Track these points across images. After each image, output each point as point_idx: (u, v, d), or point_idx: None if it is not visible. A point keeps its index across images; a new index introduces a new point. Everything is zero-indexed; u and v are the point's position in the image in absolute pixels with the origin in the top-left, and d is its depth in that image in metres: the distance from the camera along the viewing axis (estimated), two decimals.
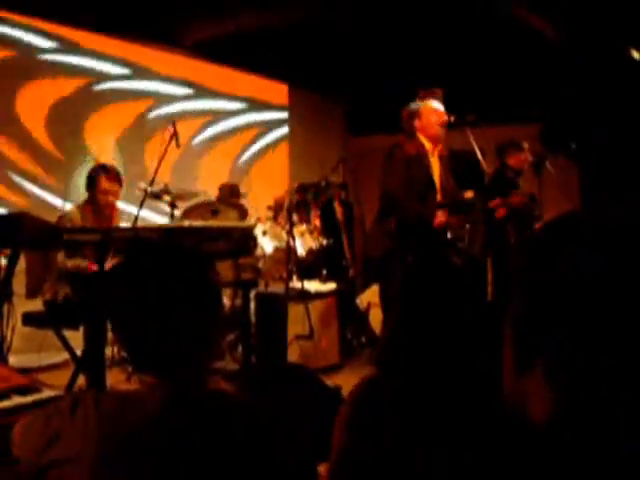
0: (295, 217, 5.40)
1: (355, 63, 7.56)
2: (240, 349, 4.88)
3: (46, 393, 1.92)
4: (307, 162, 8.27)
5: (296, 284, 5.10)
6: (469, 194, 4.36)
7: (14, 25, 5.74)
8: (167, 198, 4.99)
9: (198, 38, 6.94)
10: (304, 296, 4.98)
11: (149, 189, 4.69)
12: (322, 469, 1.48)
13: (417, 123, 4.33)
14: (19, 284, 3.63)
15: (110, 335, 3.53)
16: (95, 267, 3.43)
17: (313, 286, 5.22)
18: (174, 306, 1.31)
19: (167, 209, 5.11)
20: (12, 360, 3.43)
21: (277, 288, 5.19)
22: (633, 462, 0.66)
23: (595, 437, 0.67)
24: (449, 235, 4.29)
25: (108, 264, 3.32)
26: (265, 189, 7.10)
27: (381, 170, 4.34)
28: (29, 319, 3.78)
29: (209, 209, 5.13)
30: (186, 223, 4.49)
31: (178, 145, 4.69)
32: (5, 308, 3.27)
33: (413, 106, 4.36)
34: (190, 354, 1.33)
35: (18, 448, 1.30)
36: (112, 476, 1.20)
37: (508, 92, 7.25)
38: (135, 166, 6.29)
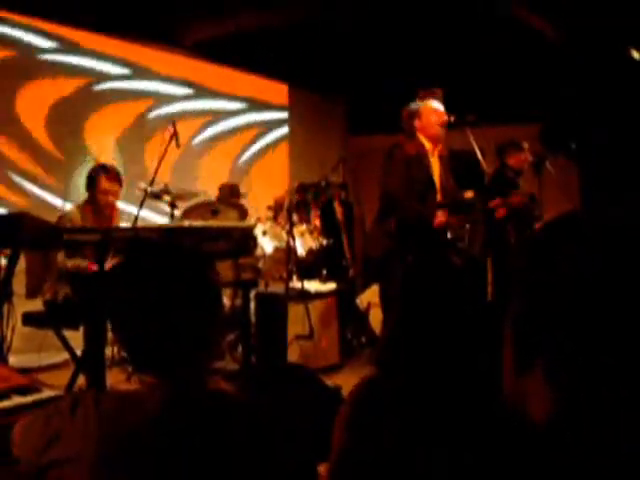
0: (295, 217, 5.40)
1: (355, 63, 7.56)
2: (240, 349, 4.88)
3: (46, 393, 1.92)
4: (307, 162, 8.27)
5: (296, 284, 5.10)
6: (469, 194, 4.37)
7: (14, 25, 5.74)
8: (167, 198, 4.99)
9: (198, 38, 6.94)
10: (304, 296, 4.98)
11: (149, 189, 4.69)
12: (322, 469, 1.48)
13: (417, 123, 4.33)
14: (19, 284, 3.63)
15: (110, 335, 3.53)
16: (95, 267, 3.43)
17: (313, 286, 5.22)
18: (174, 306, 1.31)
19: (167, 209, 5.11)
20: (12, 360, 3.43)
21: (277, 288, 5.19)
22: (633, 462, 0.66)
23: (595, 437, 0.67)
24: (449, 235, 4.29)
25: (108, 264, 3.33)
26: (265, 189, 7.10)
27: (381, 170, 4.34)
28: (29, 319, 3.78)
29: (209, 209, 5.13)
30: (186, 223, 4.49)
31: (178, 145, 4.70)
32: (5, 308, 3.27)
33: (413, 106, 4.36)
34: (190, 354, 1.33)
35: (18, 448, 1.30)
36: (112, 476, 1.20)
37: (508, 92, 7.25)
38: (135, 166, 6.29)
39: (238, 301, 4.99)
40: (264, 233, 5.25)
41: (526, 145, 5.51)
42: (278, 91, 8.43)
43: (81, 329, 3.43)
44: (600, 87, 6.97)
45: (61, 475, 1.21)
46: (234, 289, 5.16)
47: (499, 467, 0.89)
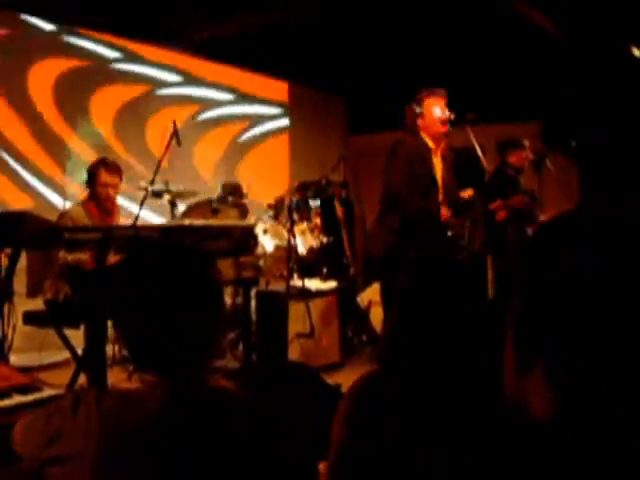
0: (296, 215, 5.40)
1: (355, 62, 7.56)
2: (241, 347, 4.89)
3: (47, 392, 1.92)
4: (307, 161, 8.26)
5: (297, 282, 5.10)
6: (469, 192, 4.37)
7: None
8: (167, 197, 4.99)
9: (199, 37, 6.94)
10: (305, 294, 4.98)
11: (150, 188, 4.70)
12: (322, 467, 1.48)
13: (420, 122, 4.33)
14: (20, 283, 3.64)
15: (111, 334, 3.54)
16: (95, 265, 3.44)
17: (314, 284, 5.22)
18: (175, 304, 1.31)
19: (167, 209, 5.12)
20: (13, 359, 3.43)
21: (278, 286, 5.19)
22: (633, 462, 0.66)
23: (595, 437, 0.67)
24: (449, 233, 4.29)
25: (109, 262, 3.33)
26: (265, 188, 7.10)
27: (384, 166, 4.33)
28: (30, 318, 3.78)
29: (210, 208, 5.14)
30: (187, 222, 4.49)
31: (179, 143, 4.69)
32: (6, 307, 3.27)
33: (416, 105, 4.36)
34: (191, 352, 1.34)
35: (19, 446, 1.30)
36: (113, 474, 1.21)
37: (508, 90, 7.24)
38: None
39: (239, 299, 4.99)
40: (265, 231, 5.25)
41: (527, 143, 5.50)
42: (278, 89, 8.44)
43: (82, 328, 3.44)
44: (600, 85, 6.96)
45: (62, 473, 1.21)
46: (235, 287, 5.16)
47: (499, 466, 0.89)
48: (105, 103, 6.48)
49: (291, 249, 5.14)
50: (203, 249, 3.44)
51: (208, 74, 7.56)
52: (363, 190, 7.86)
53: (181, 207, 5.22)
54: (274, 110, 8.44)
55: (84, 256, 3.80)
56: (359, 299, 5.89)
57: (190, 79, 7.39)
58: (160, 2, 6.05)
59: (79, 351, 3.56)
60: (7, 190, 5.67)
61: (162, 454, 1.22)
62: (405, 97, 4.41)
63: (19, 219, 3.17)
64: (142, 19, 6.19)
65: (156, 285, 1.32)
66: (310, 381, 2.93)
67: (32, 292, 3.91)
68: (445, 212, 4.24)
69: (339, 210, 6.17)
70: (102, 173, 4.37)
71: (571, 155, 6.32)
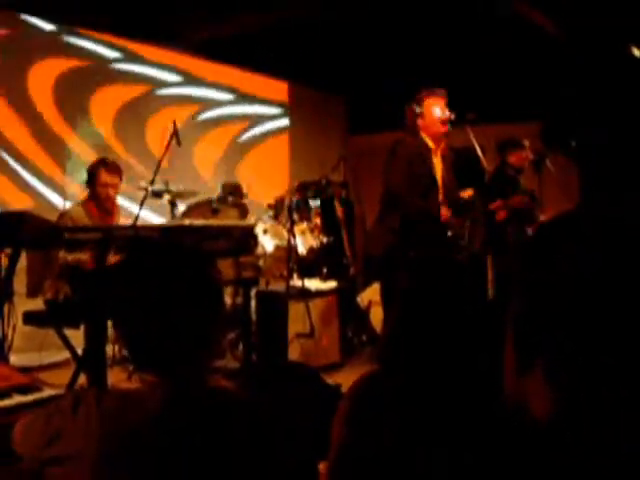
0: (296, 215, 5.40)
1: (356, 62, 7.56)
2: (241, 347, 4.89)
3: (47, 392, 1.92)
4: (307, 161, 8.27)
5: (297, 282, 5.10)
6: (469, 192, 4.36)
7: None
8: (168, 197, 5.00)
9: (199, 37, 6.94)
10: (305, 294, 4.98)
11: (150, 188, 4.70)
12: (322, 467, 1.48)
13: (420, 122, 4.33)
14: (20, 283, 3.64)
15: (111, 334, 3.54)
16: (95, 265, 3.44)
17: (314, 284, 5.22)
18: (175, 304, 1.31)
19: (167, 209, 5.12)
20: (13, 359, 3.43)
21: (278, 286, 5.19)
22: (633, 462, 0.66)
23: (595, 437, 0.67)
24: (449, 233, 4.29)
25: (109, 262, 3.33)
26: (265, 188, 7.10)
27: (384, 166, 4.33)
28: (30, 318, 3.78)
29: (210, 208, 5.14)
30: (187, 222, 4.49)
31: (179, 143, 4.69)
32: (6, 307, 3.27)
33: (416, 105, 4.36)
34: (191, 352, 1.34)
35: (19, 446, 1.30)
36: (113, 474, 1.21)
37: (508, 90, 7.24)
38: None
39: (239, 299, 4.99)
40: (265, 231, 5.25)
41: (527, 143, 5.50)
42: (278, 89, 8.44)
43: (82, 328, 3.44)
44: (600, 85, 6.96)
45: (62, 473, 1.21)
46: (235, 287, 5.16)
47: (499, 466, 0.89)
48: (105, 103, 6.49)
49: (291, 249, 5.14)
50: (203, 249, 3.44)
51: (208, 74, 7.57)
52: (363, 190, 7.86)
53: (181, 207, 5.22)
54: (274, 110, 8.44)
55: (84, 256, 3.80)
56: (359, 299, 5.89)
57: (190, 79, 7.40)
58: (160, 2, 6.05)
59: (79, 351, 3.56)
60: (7, 190, 5.68)
61: (162, 454, 1.22)
62: (405, 97, 4.41)
63: (19, 219, 3.17)
64: (142, 19, 6.19)
65: (156, 285, 1.32)
66: (310, 381, 2.93)
67: (32, 292, 3.91)
68: (445, 212, 4.24)
69: (339, 210, 6.17)
70: (102, 173, 4.37)
71: (571, 155, 6.32)
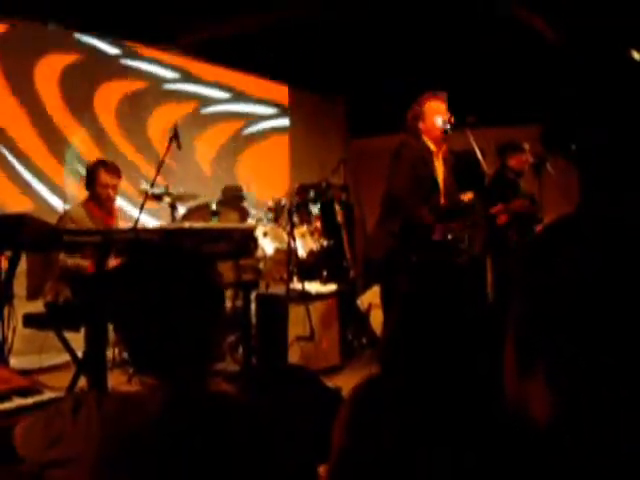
0: (296, 218, 5.40)
1: (356, 64, 7.56)
2: (241, 350, 4.88)
3: (47, 395, 1.92)
4: (308, 163, 8.27)
5: (297, 285, 5.10)
6: (469, 195, 4.36)
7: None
8: (168, 200, 5.00)
9: (198, 39, 6.95)
10: (305, 297, 4.98)
11: (150, 191, 4.70)
12: (322, 470, 1.48)
13: (421, 125, 4.33)
14: (20, 286, 3.64)
15: (111, 337, 3.54)
16: (94, 268, 3.44)
17: (314, 287, 5.21)
18: (175, 307, 1.31)
19: (167, 212, 5.12)
20: (13, 362, 3.43)
21: (278, 289, 5.19)
22: (633, 463, 0.66)
23: (596, 440, 0.67)
24: (449, 237, 4.29)
25: (109, 265, 3.33)
26: (266, 190, 7.11)
27: (388, 169, 4.33)
28: (30, 321, 3.78)
29: (210, 210, 5.14)
30: (187, 225, 4.49)
31: (179, 147, 4.69)
32: (6, 310, 3.27)
33: (417, 108, 4.36)
34: (191, 355, 1.34)
35: (20, 449, 1.30)
36: (114, 477, 1.21)
37: (508, 93, 7.25)
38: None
39: (239, 302, 5.00)
40: (265, 234, 5.25)
41: (527, 146, 5.50)
42: (278, 92, 8.45)
43: (82, 330, 3.44)
44: (600, 88, 6.97)
45: (63, 475, 1.21)
46: (235, 290, 5.16)
47: (500, 469, 0.89)
48: (109, 97, 6.51)
49: (291, 252, 5.14)
50: (203, 252, 3.45)
51: (208, 75, 7.58)
52: (363, 193, 7.87)
53: (181, 210, 5.23)
54: (274, 112, 8.45)
55: (84, 259, 3.81)
56: (359, 302, 5.89)
57: (190, 79, 7.42)
58: (160, 3, 6.05)
59: (79, 354, 3.56)
60: (7, 192, 5.68)
61: (162, 457, 1.22)
62: (405, 100, 4.41)
63: (19, 222, 3.17)
64: (142, 20, 6.19)
65: (156, 288, 1.32)
66: (310, 384, 2.92)
67: (32, 295, 3.91)
68: (439, 229, 4.21)
69: (339, 213, 6.17)
70: (102, 174, 4.39)
71: (571, 158, 6.33)
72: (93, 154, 5.98)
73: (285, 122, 8.56)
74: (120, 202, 5.31)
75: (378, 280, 4.98)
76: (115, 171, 4.45)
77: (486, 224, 4.88)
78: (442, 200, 4.35)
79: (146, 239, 3.48)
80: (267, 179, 7.84)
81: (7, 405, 1.83)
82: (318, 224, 5.77)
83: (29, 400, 1.87)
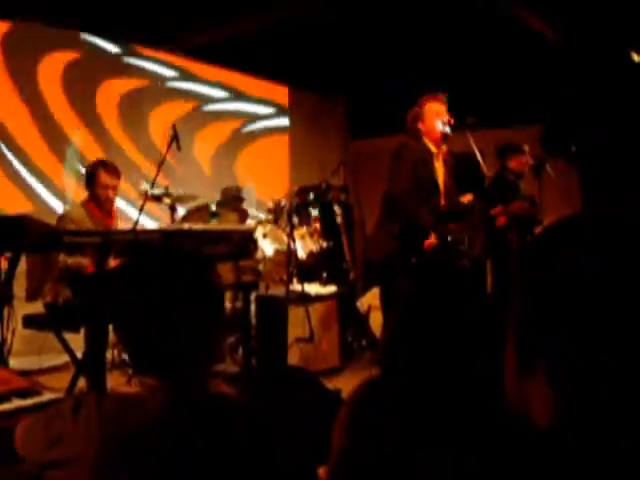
0: (295, 220, 5.40)
1: (356, 65, 7.56)
2: (241, 352, 4.88)
3: (46, 396, 1.92)
4: (308, 164, 8.27)
5: (296, 287, 5.10)
6: (468, 197, 4.36)
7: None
8: (167, 201, 5.00)
9: (198, 41, 6.95)
10: (304, 299, 4.98)
11: (150, 191, 4.70)
12: (322, 471, 1.48)
13: (421, 126, 4.33)
14: (19, 287, 3.63)
15: (111, 338, 3.54)
16: (95, 269, 3.44)
17: (313, 289, 5.21)
18: (175, 308, 1.31)
19: (166, 215, 5.13)
20: (12, 363, 3.43)
21: (277, 291, 5.19)
22: (634, 463, 0.66)
23: (597, 440, 0.67)
24: (449, 238, 4.29)
25: (109, 266, 3.33)
26: (265, 192, 7.11)
27: (388, 171, 4.32)
28: (29, 321, 3.78)
29: (209, 212, 5.14)
30: (186, 226, 4.49)
31: (179, 148, 4.69)
32: (5, 311, 3.27)
33: (416, 109, 4.36)
34: (191, 356, 1.34)
35: (20, 449, 1.30)
36: (113, 478, 1.21)
37: (508, 94, 7.25)
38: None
39: (239, 304, 5.00)
40: (264, 236, 5.25)
41: (526, 148, 5.50)
42: (278, 93, 8.45)
43: (82, 331, 3.44)
44: (600, 88, 6.97)
45: (62, 476, 1.21)
46: (235, 292, 5.16)
47: (500, 471, 0.89)
48: (111, 96, 6.55)
49: (291, 253, 5.14)
50: (203, 253, 3.45)
51: (209, 74, 7.59)
52: (363, 194, 7.87)
53: (181, 211, 5.22)
54: (274, 113, 8.45)
55: (84, 260, 3.81)
56: (359, 304, 5.89)
57: (191, 77, 7.44)
58: (160, 5, 6.05)
59: (79, 355, 3.56)
60: (7, 192, 5.68)
61: (162, 458, 1.21)
62: (405, 101, 4.41)
63: (19, 223, 3.17)
64: (143, 22, 6.19)
65: (156, 288, 1.32)
66: (309, 386, 2.93)
67: (32, 296, 3.91)
68: (432, 238, 4.18)
69: (339, 214, 6.17)
70: (102, 174, 4.39)
71: (571, 160, 6.33)
72: (94, 151, 5.99)
73: (285, 122, 8.56)
74: (119, 204, 5.31)
75: (378, 282, 4.98)
76: (115, 172, 4.45)
77: (486, 226, 4.88)
78: (442, 202, 4.35)
79: (146, 240, 3.48)
80: (267, 179, 7.83)
81: (6, 406, 1.83)
82: (318, 225, 5.77)
83: (28, 401, 1.87)
